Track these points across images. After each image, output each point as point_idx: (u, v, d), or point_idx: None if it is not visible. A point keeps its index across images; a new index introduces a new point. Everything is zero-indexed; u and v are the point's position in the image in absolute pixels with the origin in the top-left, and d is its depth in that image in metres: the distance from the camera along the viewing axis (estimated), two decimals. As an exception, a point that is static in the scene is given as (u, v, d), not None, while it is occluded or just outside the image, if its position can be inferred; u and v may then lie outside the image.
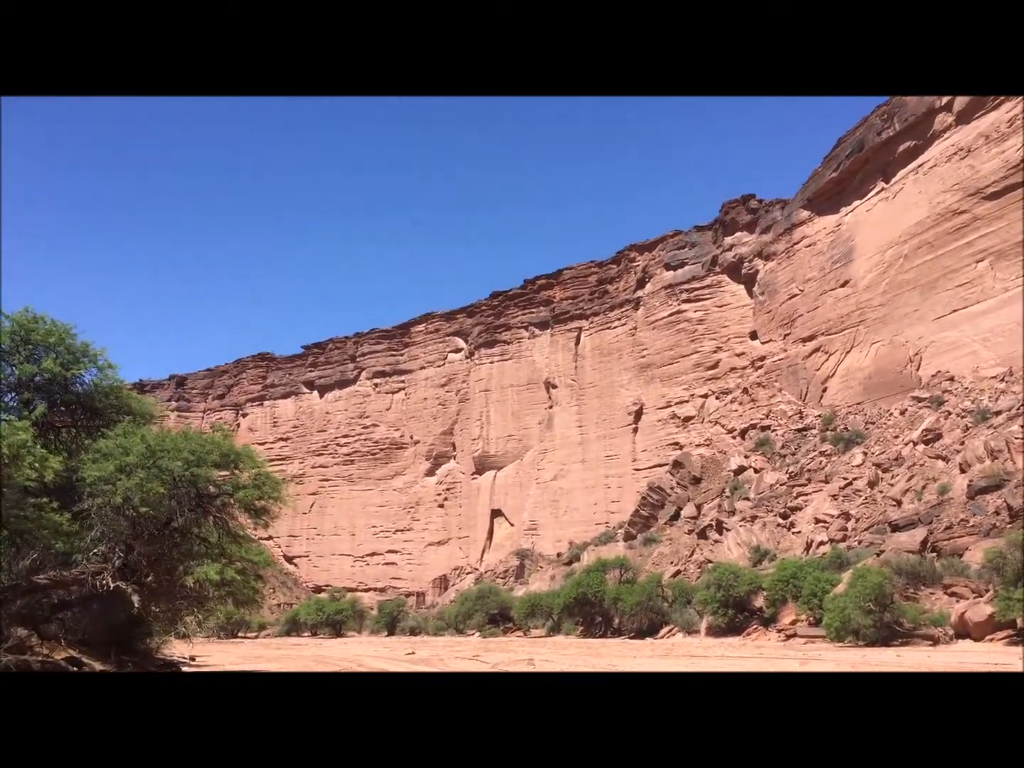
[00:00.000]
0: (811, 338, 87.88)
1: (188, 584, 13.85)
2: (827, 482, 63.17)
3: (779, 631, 40.83)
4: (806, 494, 62.94)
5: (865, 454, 65.11)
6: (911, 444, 61.06)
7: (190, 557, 14.31)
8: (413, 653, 35.89)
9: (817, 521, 56.45)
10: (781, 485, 67.77)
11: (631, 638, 48.04)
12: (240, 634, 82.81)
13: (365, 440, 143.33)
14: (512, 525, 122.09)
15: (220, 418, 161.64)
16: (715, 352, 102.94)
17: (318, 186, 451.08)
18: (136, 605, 13.07)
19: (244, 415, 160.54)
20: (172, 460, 13.38)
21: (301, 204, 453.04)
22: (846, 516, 54.55)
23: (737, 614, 44.35)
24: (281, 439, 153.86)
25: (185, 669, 21.94)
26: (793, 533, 58.34)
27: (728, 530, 62.39)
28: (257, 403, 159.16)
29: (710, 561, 57.76)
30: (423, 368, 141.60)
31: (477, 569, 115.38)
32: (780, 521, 60.76)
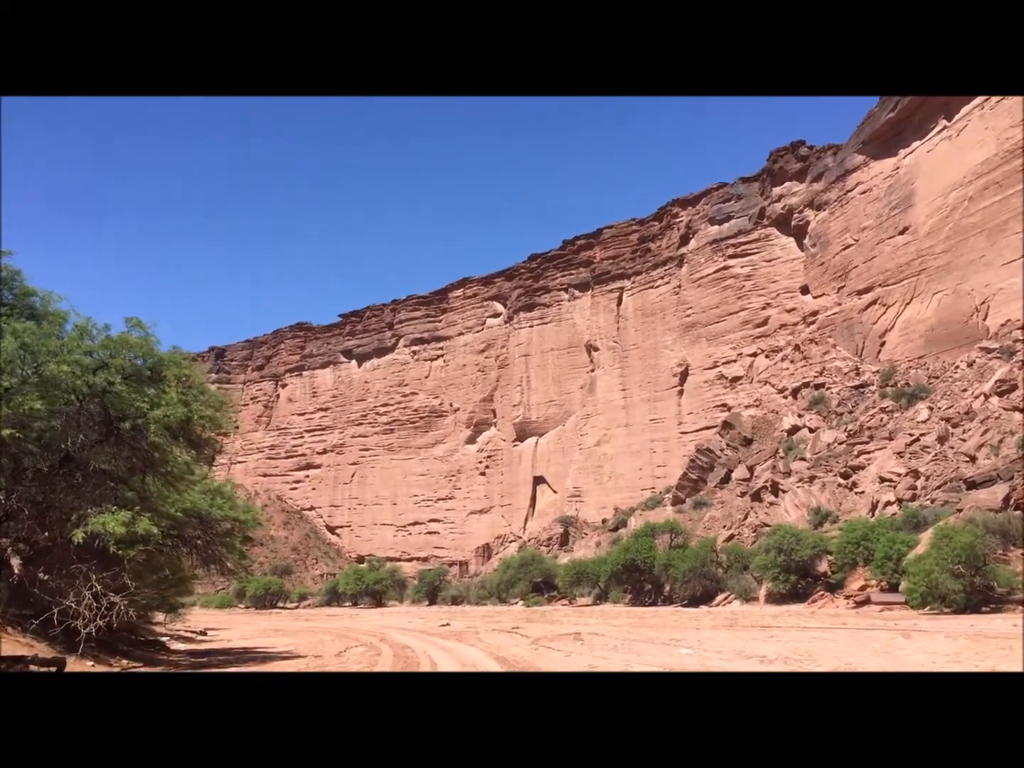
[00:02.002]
0: (867, 290, 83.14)
1: (77, 539, 10.50)
2: (891, 439, 59.10)
3: (848, 598, 37.43)
4: (868, 452, 58.96)
5: (931, 409, 60.84)
6: (982, 397, 56.78)
7: (92, 503, 10.96)
8: (448, 625, 33.16)
9: (882, 480, 52.61)
10: (840, 444, 63.83)
11: (684, 606, 45.07)
12: (280, 604, 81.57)
13: (404, 408, 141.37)
14: (555, 492, 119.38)
15: (260, 389, 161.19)
16: (764, 309, 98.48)
17: (352, 155, 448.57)
18: (16, 571, 9.96)
19: (283, 385, 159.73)
20: (59, 365, 10.09)
21: (336, 173, 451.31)
22: (915, 474, 50.67)
23: (799, 580, 41.00)
24: (321, 409, 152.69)
25: (176, 646, 19.34)
26: (856, 493, 54.57)
27: (784, 492, 58.80)
28: (296, 373, 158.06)
29: (766, 524, 54.35)
30: (461, 334, 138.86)
31: (520, 537, 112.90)
32: (841, 481, 56.97)
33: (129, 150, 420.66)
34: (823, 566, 41.88)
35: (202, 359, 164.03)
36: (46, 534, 11.00)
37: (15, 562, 10.07)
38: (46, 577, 11.44)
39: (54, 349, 10.55)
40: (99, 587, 11.62)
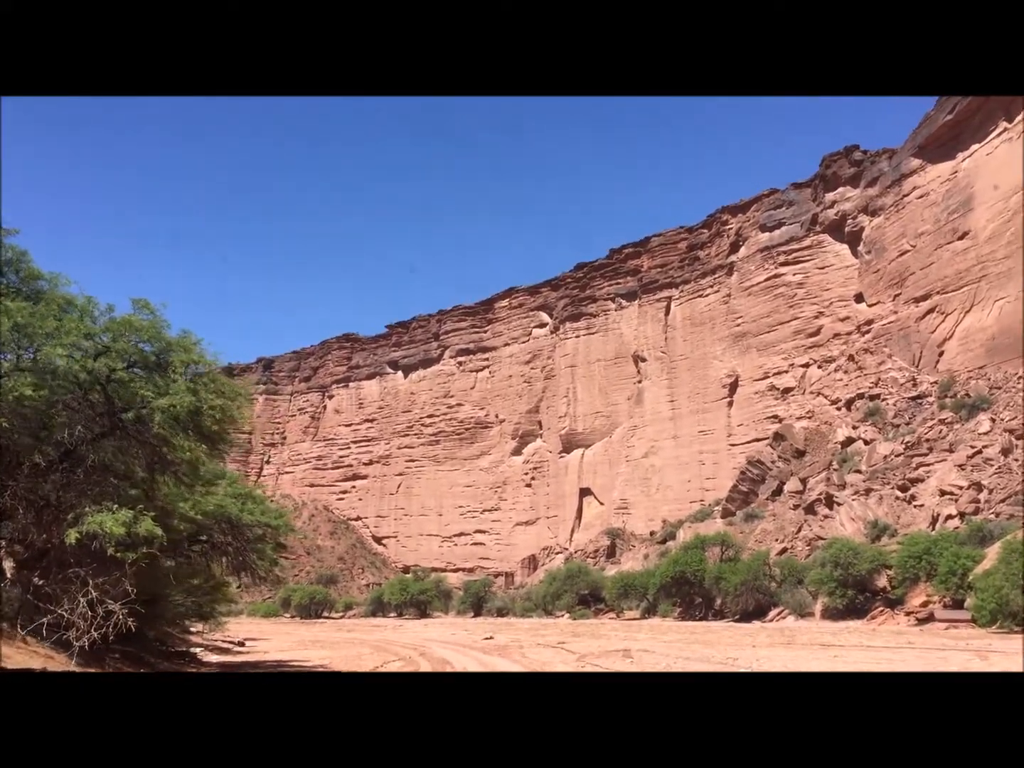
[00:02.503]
0: (925, 298, 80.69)
1: (70, 540, 9.65)
2: (951, 451, 57.00)
3: (909, 614, 35.90)
4: (927, 464, 56.95)
5: (993, 420, 58.62)
6: (1049, 407, 54.54)
7: (93, 502, 10.13)
8: (491, 638, 32.33)
9: (943, 493, 50.68)
10: (897, 456, 61.78)
11: (736, 621, 43.76)
12: (325, 614, 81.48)
13: (450, 420, 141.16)
14: (602, 504, 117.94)
15: (307, 400, 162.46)
16: (816, 318, 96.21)
17: (399, 165, 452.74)
18: (8, 575, 9.29)
19: (330, 397, 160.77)
20: (53, 348, 9.38)
21: (381, 183, 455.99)
22: (977, 487, 48.70)
23: (857, 595, 39.50)
24: (367, 420, 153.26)
25: (209, 658, 18.81)
26: (915, 507, 52.69)
27: (840, 504, 57.03)
28: (343, 384, 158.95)
29: (820, 538, 52.72)
30: (507, 345, 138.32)
31: (566, 549, 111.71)
32: (899, 494, 55.09)
33: (176, 155, 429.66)
34: (882, 581, 40.34)
35: (250, 370, 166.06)
36: (43, 535, 10.31)
37: (8, 565, 9.42)
38: (41, 582, 10.67)
39: (51, 331, 9.88)
40: (96, 594, 10.65)
